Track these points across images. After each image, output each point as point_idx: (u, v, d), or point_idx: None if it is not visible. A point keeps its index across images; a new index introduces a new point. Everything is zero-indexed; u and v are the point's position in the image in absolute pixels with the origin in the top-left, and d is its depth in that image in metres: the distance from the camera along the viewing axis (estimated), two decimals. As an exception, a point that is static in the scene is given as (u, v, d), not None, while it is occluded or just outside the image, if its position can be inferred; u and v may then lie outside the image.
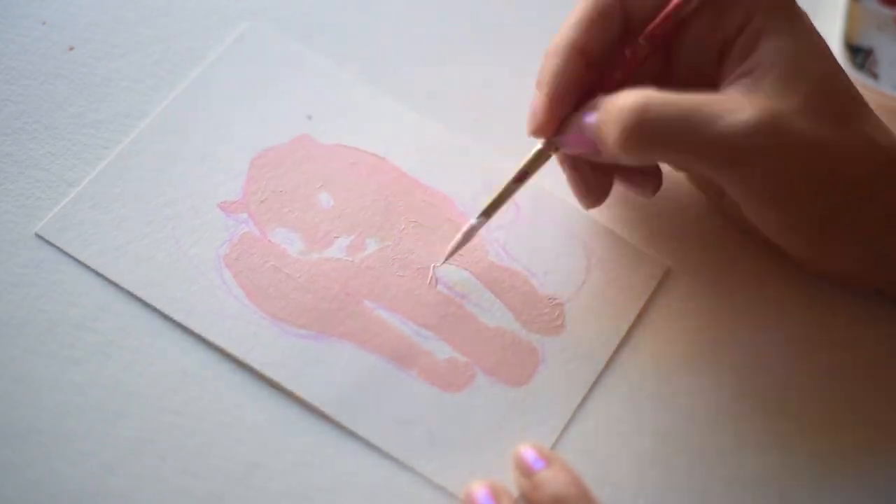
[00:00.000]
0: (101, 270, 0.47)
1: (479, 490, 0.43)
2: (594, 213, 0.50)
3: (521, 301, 0.48)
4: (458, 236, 0.48)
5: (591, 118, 0.44)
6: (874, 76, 0.54)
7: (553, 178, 0.50)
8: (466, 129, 0.53)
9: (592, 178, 0.47)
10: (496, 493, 0.43)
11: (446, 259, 0.48)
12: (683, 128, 0.42)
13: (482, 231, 0.48)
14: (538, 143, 0.47)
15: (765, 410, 0.47)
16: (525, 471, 0.44)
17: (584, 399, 0.47)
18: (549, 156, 0.47)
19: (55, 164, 0.50)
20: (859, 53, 0.55)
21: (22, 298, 0.46)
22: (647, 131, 0.42)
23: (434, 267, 0.48)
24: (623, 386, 0.47)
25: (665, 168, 0.50)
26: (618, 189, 0.49)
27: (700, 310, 0.49)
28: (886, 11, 0.54)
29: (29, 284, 0.47)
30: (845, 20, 0.55)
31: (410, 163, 0.51)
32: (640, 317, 0.48)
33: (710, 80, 0.46)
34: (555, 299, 0.49)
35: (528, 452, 0.44)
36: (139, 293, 0.47)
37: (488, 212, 0.47)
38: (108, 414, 0.45)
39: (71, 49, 0.53)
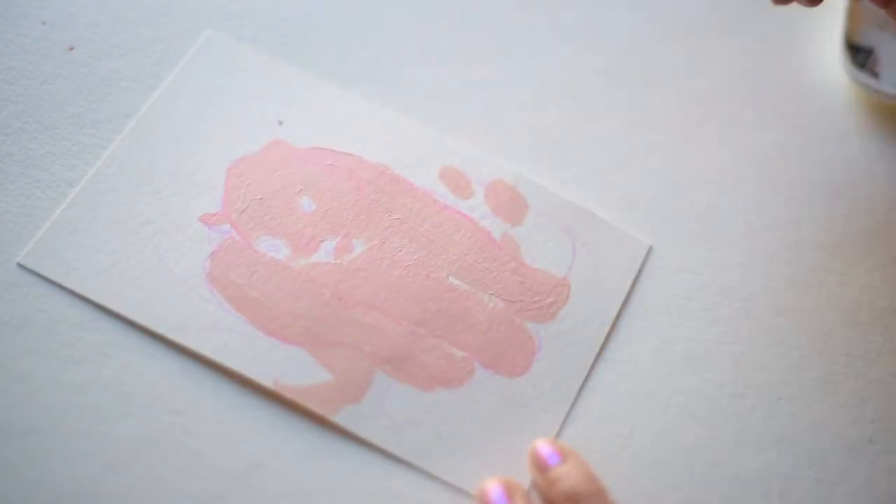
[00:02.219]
0: (88, 295, 0.47)
1: (493, 488, 0.44)
2: (575, 195, 0.51)
3: (513, 289, 0.48)
4: None
5: None
6: (875, 75, 0.54)
7: (530, 165, 0.51)
8: (447, 127, 0.53)
9: None
10: (509, 491, 0.44)
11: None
12: None
13: (473, 217, 0.49)
14: None
15: (765, 409, 0.47)
16: (540, 466, 0.44)
17: (582, 387, 0.47)
18: None
19: (55, 164, 0.50)
20: (860, 52, 0.55)
21: (22, 298, 0.46)
22: None
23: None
24: (624, 379, 0.47)
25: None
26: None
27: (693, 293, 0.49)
28: (887, 11, 0.53)
29: (29, 284, 0.47)
30: (846, 19, 0.55)
31: (387, 159, 0.51)
32: (630, 300, 0.49)
33: None
34: (553, 281, 0.49)
35: (543, 447, 0.45)
36: (129, 315, 0.46)
37: None
38: (108, 414, 0.45)
39: (71, 49, 0.53)
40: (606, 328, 0.48)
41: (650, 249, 0.50)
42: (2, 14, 0.53)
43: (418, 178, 0.51)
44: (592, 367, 0.47)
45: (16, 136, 0.50)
